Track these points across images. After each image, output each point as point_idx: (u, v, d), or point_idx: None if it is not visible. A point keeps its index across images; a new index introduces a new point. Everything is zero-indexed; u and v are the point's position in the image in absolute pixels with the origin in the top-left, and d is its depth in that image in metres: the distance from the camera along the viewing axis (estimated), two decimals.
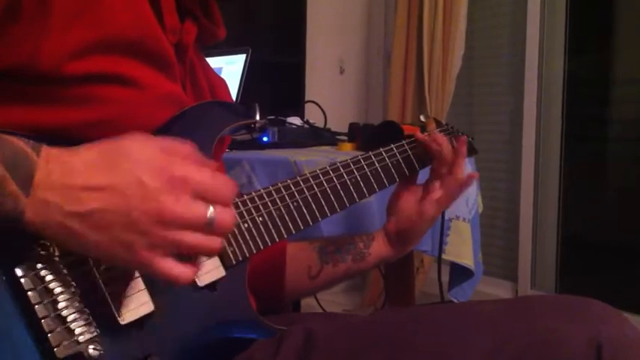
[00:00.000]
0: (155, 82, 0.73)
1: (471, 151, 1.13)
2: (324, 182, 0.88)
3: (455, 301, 1.65)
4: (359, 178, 0.92)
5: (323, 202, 0.87)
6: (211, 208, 0.59)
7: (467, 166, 1.61)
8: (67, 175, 0.56)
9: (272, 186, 0.83)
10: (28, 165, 0.55)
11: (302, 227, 0.84)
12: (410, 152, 0.99)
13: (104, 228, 0.56)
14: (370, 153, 0.95)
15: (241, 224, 0.78)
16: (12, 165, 0.55)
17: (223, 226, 0.60)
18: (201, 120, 0.78)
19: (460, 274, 1.64)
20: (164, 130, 0.74)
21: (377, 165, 0.94)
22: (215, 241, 0.60)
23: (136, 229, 0.56)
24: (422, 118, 1.10)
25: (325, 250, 1.00)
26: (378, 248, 1.01)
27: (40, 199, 0.55)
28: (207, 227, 0.58)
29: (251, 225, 0.79)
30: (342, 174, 0.90)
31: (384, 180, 0.95)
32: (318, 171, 0.88)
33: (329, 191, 0.88)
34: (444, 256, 1.55)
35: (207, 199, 0.59)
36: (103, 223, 0.56)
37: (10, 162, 0.55)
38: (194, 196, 0.58)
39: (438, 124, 1.08)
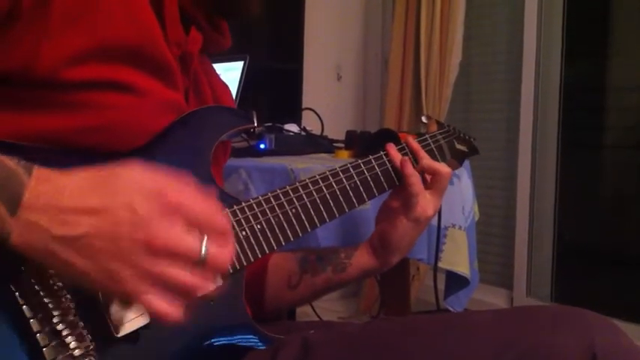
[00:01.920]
0: (154, 89, 0.73)
1: (473, 152, 1.11)
2: (324, 188, 0.86)
3: (451, 309, 1.65)
4: (358, 183, 0.90)
5: (322, 208, 0.85)
6: (205, 243, 0.55)
7: (463, 173, 1.62)
8: (56, 197, 0.54)
9: (270, 193, 0.81)
10: (17, 186, 0.54)
11: (300, 234, 0.83)
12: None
13: (90, 254, 0.53)
14: (371, 157, 0.93)
15: (239, 232, 0.77)
16: (1, 186, 0.53)
17: (217, 264, 0.57)
18: (199, 125, 0.78)
19: (456, 282, 1.64)
20: (162, 136, 0.73)
21: (377, 170, 0.92)
22: (206, 281, 0.56)
23: (123, 258, 0.53)
24: (423, 119, 1.09)
25: (306, 259, 0.98)
26: (361, 259, 0.97)
27: (27, 221, 0.53)
28: (200, 263, 0.55)
29: (249, 233, 0.77)
30: (341, 179, 0.88)
31: (384, 185, 0.93)
32: (318, 177, 0.86)
33: (328, 197, 0.86)
34: (439, 265, 1.54)
35: (202, 230, 0.56)
36: (89, 250, 0.53)
37: None
38: (188, 225, 0.55)
39: (440, 125, 1.06)
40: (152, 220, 0.54)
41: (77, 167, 0.57)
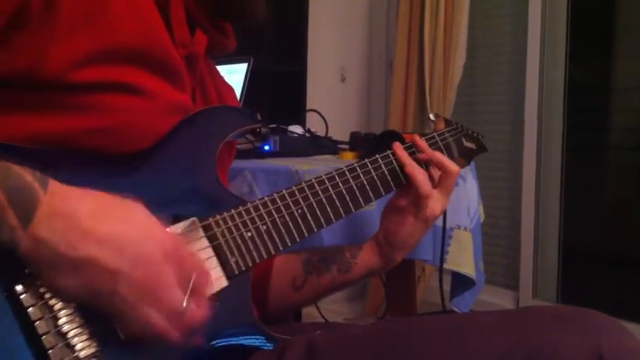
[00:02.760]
0: (162, 91, 0.73)
1: (481, 149, 1.11)
2: (330, 188, 0.86)
3: (456, 310, 1.64)
4: (365, 183, 0.89)
5: (328, 208, 0.85)
6: (185, 302, 0.61)
7: (468, 174, 1.62)
8: (68, 219, 0.57)
9: (276, 193, 0.81)
10: (31, 199, 0.56)
11: (307, 234, 0.82)
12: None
13: (88, 278, 0.58)
14: (377, 156, 0.92)
15: (244, 233, 0.76)
16: (15, 197, 0.55)
17: (191, 321, 0.62)
18: (205, 126, 0.78)
19: (461, 283, 1.63)
20: (169, 137, 0.73)
21: (384, 169, 0.91)
22: (173, 334, 0.62)
23: (113, 287, 0.58)
24: (431, 116, 1.08)
25: (310, 260, 0.97)
26: (366, 258, 0.97)
27: (37, 237, 0.56)
28: (178, 316, 0.61)
29: (254, 234, 0.77)
30: (348, 179, 0.88)
31: (391, 184, 0.92)
32: (324, 176, 0.86)
33: (334, 197, 0.86)
34: (445, 266, 1.54)
35: (188, 286, 0.62)
36: (88, 273, 0.57)
37: (13, 194, 0.55)
38: (180, 279, 0.61)
39: (448, 123, 1.06)
40: (152, 262, 0.59)
41: (86, 169, 0.62)
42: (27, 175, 0.57)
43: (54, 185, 0.58)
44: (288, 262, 0.98)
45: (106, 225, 0.58)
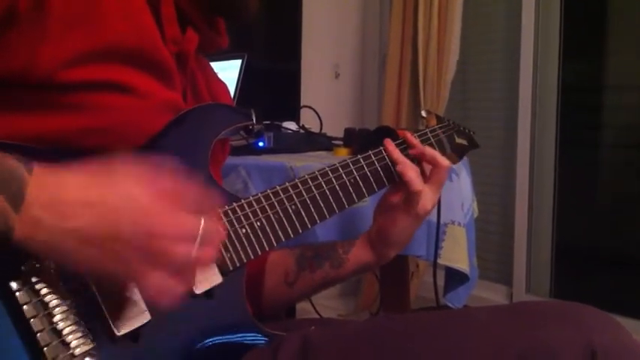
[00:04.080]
0: (154, 90, 0.73)
1: (473, 146, 1.11)
2: (323, 184, 0.86)
3: (450, 305, 1.65)
4: (358, 179, 0.89)
5: (322, 205, 0.85)
6: (202, 220, 0.59)
7: (462, 169, 1.62)
8: (57, 193, 0.56)
9: (269, 190, 0.81)
10: (19, 182, 0.55)
11: (300, 231, 0.83)
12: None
13: (95, 242, 0.56)
14: (370, 152, 0.92)
15: (239, 229, 0.77)
16: (3, 182, 0.55)
17: (215, 236, 0.61)
18: (197, 123, 0.78)
19: (455, 278, 1.64)
20: (161, 135, 0.74)
21: (377, 165, 0.92)
22: (207, 252, 0.60)
23: (127, 242, 0.56)
24: (423, 113, 1.08)
25: (303, 256, 0.98)
26: (358, 254, 0.97)
27: (30, 217, 0.55)
28: (199, 239, 0.59)
29: (249, 230, 0.78)
30: (340, 175, 0.88)
31: (384, 180, 0.92)
32: (317, 172, 0.86)
33: (328, 193, 0.86)
34: (439, 261, 1.54)
35: (196, 211, 0.59)
36: (93, 238, 0.56)
37: (1, 179, 0.55)
38: (184, 209, 0.59)
39: (440, 119, 1.06)
40: (151, 207, 0.57)
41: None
42: (11, 160, 0.56)
43: (38, 166, 0.57)
44: (282, 258, 0.98)
45: (94, 189, 0.57)
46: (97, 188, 0.57)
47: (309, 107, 2.20)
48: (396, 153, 0.93)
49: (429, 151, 0.94)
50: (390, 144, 0.94)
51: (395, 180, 0.93)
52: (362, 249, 0.98)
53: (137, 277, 0.58)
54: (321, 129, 2.05)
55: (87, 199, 0.56)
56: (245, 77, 1.89)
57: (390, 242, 0.96)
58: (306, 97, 2.86)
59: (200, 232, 0.59)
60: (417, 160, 0.95)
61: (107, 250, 0.56)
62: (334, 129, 2.03)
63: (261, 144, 1.70)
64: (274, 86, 2.75)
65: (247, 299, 0.80)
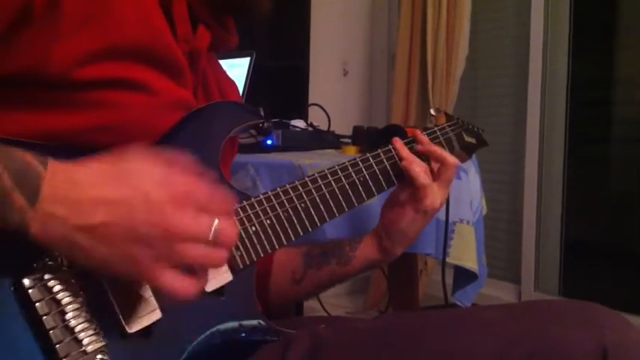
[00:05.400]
0: (165, 87, 0.73)
1: (482, 144, 1.11)
2: (333, 183, 0.86)
3: (459, 304, 1.64)
4: (367, 177, 0.89)
5: (331, 203, 0.85)
6: (216, 221, 0.59)
7: (471, 167, 1.62)
8: (73, 189, 0.56)
9: (280, 188, 0.81)
10: (35, 178, 0.56)
11: (310, 229, 0.83)
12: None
13: (109, 241, 0.56)
14: (379, 151, 0.93)
15: (249, 228, 0.77)
16: (19, 178, 0.55)
17: (228, 238, 0.61)
18: (208, 121, 0.79)
19: (464, 277, 1.63)
20: (172, 133, 0.74)
21: (386, 163, 0.92)
22: (220, 253, 0.61)
23: (141, 241, 0.56)
24: (432, 111, 1.08)
25: (310, 253, 0.98)
26: (365, 251, 0.97)
27: (45, 213, 0.55)
28: (212, 240, 0.59)
29: (259, 228, 0.78)
30: (350, 174, 0.88)
31: (393, 178, 0.92)
32: (327, 171, 0.86)
33: (337, 191, 0.86)
34: (448, 260, 1.54)
35: (209, 211, 0.60)
36: (108, 236, 0.56)
37: (17, 175, 0.55)
38: (198, 209, 0.59)
39: (449, 117, 1.06)
40: (166, 207, 0.57)
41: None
42: (27, 156, 0.57)
43: (53, 162, 0.57)
44: (289, 255, 0.99)
45: (110, 186, 0.57)
46: (113, 186, 0.57)
47: (318, 105, 2.19)
48: (404, 150, 0.93)
49: (435, 149, 0.95)
50: (397, 142, 0.94)
51: (404, 178, 0.93)
52: (369, 246, 0.98)
53: (149, 276, 0.58)
54: (329, 127, 2.05)
55: (102, 196, 0.56)
56: (253, 75, 1.89)
57: (397, 239, 0.96)
58: (314, 94, 2.85)
59: (213, 232, 0.59)
60: (426, 158, 0.95)
61: (120, 249, 0.56)
62: (342, 127, 2.02)
63: (269, 142, 1.70)
64: (282, 84, 2.75)
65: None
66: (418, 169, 0.92)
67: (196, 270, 0.60)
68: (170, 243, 0.57)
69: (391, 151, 0.93)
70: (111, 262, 0.57)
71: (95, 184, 0.57)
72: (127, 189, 0.57)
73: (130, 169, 0.59)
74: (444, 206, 1.32)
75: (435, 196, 0.93)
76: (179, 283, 0.58)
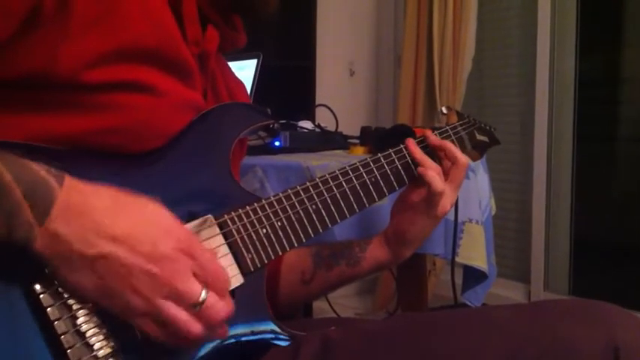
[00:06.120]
0: (174, 89, 0.73)
1: (494, 142, 1.11)
2: (344, 183, 0.85)
3: (469, 304, 1.64)
4: (378, 178, 0.89)
5: (342, 204, 0.85)
6: (204, 293, 0.61)
7: (479, 167, 1.62)
8: (84, 214, 0.58)
9: (290, 189, 0.81)
10: (47, 194, 0.56)
11: (321, 230, 0.82)
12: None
13: (105, 275, 0.58)
14: (390, 151, 0.92)
15: (260, 230, 0.77)
16: (31, 193, 0.55)
17: (212, 313, 0.62)
18: (218, 123, 0.78)
19: (474, 276, 1.63)
20: (182, 135, 0.74)
21: (397, 163, 0.91)
22: (195, 326, 0.61)
23: (130, 284, 0.58)
24: (444, 109, 1.08)
25: (320, 254, 0.98)
26: (374, 252, 0.97)
27: (52, 232, 0.56)
28: (195, 308, 0.60)
29: (270, 230, 0.77)
30: (361, 174, 0.88)
31: (405, 179, 0.92)
32: (337, 172, 0.86)
33: (348, 192, 0.86)
34: (457, 259, 1.53)
35: (205, 281, 0.61)
36: (104, 270, 0.58)
37: (29, 189, 0.55)
38: (195, 273, 0.61)
39: (460, 116, 1.06)
40: (167, 259, 0.59)
41: (101, 168, 0.61)
42: (42, 171, 0.57)
43: (69, 181, 0.58)
44: (298, 256, 0.98)
45: (121, 222, 0.58)
46: (122, 223, 0.59)
47: (325, 106, 2.19)
48: (418, 153, 0.93)
49: (448, 145, 0.94)
50: (412, 143, 0.93)
51: (415, 178, 0.93)
52: (378, 248, 0.98)
53: (132, 319, 0.60)
54: (336, 127, 2.05)
55: (109, 232, 0.58)
56: (260, 77, 1.89)
57: (407, 242, 0.96)
58: (321, 95, 2.86)
59: (200, 302, 0.60)
60: (438, 158, 0.95)
61: (113, 285, 0.58)
62: (350, 127, 2.02)
63: (277, 143, 1.70)
64: (289, 85, 2.75)
65: None
66: (433, 173, 0.91)
67: (175, 330, 0.61)
68: (155, 294, 0.59)
69: (402, 152, 0.92)
70: (102, 293, 0.59)
71: (107, 216, 0.58)
72: (136, 230, 0.59)
73: (145, 211, 0.61)
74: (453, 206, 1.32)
75: (446, 199, 0.92)
76: (158, 334, 0.61)
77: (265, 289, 0.80)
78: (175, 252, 0.60)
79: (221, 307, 0.62)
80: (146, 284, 0.58)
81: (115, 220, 0.58)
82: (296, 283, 0.98)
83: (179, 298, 0.60)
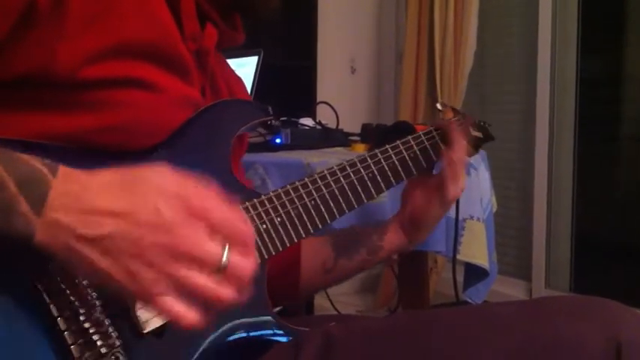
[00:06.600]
0: (171, 85, 0.73)
1: (488, 138, 1.11)
2: (342, 178, 0.86)
3: (470, 301, 1.64)
4: (376, 173, 0.89)
5: (341, 199, 0.85)
6: (227, 251, 0.55)
7: (480, 164, 1.61)
8: (81, 198, 0.54)
9: (289, 185, 0.81)
10: (42, 185, 0.54)
11: (320, 226, 0.83)
12: (427, 144, 0.95)
13: (112, 255, 0.54)
14: (387, 146, 0.92)
15: (259, 225, 0.77)
16: (25, 185, 0.54)
17: (238, 273, 0.56)
18: (217, 119, 0.78)
19: (475, 274, 1.63)
20: (181, 131, 0.74)
21: (394, 159, 0.92)
22: (225, 290, 0.55)
23: (143, 259, 0.54)
24: (439, 106, 1.09)
25: (340, 244, 1.00)
26: (392, 239, 1.00)
27: (51, 220, 0.53)
28: (220, 271, 0.55)
29: (269, 226, 0.78)
30: (359, 169, 0.88)
31: (402, 174, 0.92)
32: (336, 167, 0.86)
33: (346, 187, 0.86)
34: (458, 257, 1.53)
35: (225, 238, 0.56)
36: (111, 250, 0.54)
37: (23, 181, 0.54)
38: (211, 232, 0.55)
39: (456, 112, 1.07)
40: (175, 225, 0.54)
41: (100, 166, 0.57)
42: (35, 162, 0.55)
43: (64, 169, 0.56)
44: (319, 245, 1.00)
45: (120, 198, 0.55)
46: (122, 197, 0.55)
47: (326, 103, 2.19)
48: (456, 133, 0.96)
49: (457, 138, 0.96)
50: (453, 122, 0.97)
51: (413, 174, 0.94)
52: (395, 234, 1.00)
53: (146, 298, 0.55)
54: (337, 125, 2.04)
55: (112, 208, 0.54)
56: (261, 73, 1.89)
57: (422, 227, 0.99)
58: (322, 92, 2.85)
59: (223, 262, 0.55)
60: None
61: (123, 264, 0.54)
62: (351, 124, 2.02)
63: (278, 140, 1.69)
64: (290, 82, 2.74)
65: (284, 286, 0.80)
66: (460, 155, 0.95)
67: (198, 300, 0.55)
68: (172, 265, 0.54)
69: (398, 147, 0.93)
70: (110, 275, 0.54)
71: (105, 194, 0.55)
72: (138, 202, 0.54)
73: (142, 179, 0.56)
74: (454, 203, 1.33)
75: (457, 187, 0.95)
76: (173, 310, 0.55)
77: (283, 275, 0.80)
78: (182, 215, 0.54)
79: (246, 263, 0.56)
80: (159, 256, 0.53)
81: (115, 197, 0.55)
82: (318, 272, 1.00)
83: (199, 265, 0.54)
